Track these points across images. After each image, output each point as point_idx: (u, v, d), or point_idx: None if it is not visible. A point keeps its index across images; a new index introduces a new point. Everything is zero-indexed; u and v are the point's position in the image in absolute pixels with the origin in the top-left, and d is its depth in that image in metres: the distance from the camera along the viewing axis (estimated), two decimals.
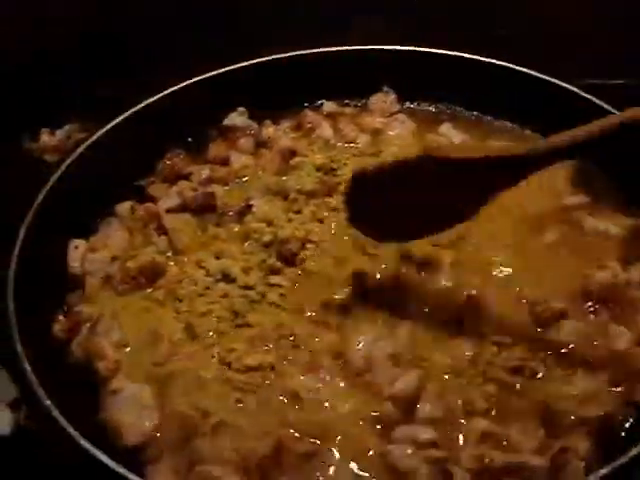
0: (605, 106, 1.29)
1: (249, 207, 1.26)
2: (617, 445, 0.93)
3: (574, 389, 0.99)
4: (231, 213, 1.26)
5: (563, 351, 1.04)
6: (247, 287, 1.14)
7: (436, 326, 1.08)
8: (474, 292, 1.10)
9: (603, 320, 1.09)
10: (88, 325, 1.10)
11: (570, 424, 0.96)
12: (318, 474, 0.93)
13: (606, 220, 1.24)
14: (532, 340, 1.05)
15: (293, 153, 1.36)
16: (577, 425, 0.96)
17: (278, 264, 1.17)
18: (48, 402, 0.95)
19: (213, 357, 1.06)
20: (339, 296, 1.12)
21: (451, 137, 1.40)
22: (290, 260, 1.18)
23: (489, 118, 1.45)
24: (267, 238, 1.19)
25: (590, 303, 1.11)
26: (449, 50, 1.45)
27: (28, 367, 0.99)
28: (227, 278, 1.15)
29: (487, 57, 1.42)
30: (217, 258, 1.18)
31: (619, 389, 1.00)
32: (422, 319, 1.09)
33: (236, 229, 1.24)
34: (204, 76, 1.43)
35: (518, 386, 1.00)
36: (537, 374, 1.01)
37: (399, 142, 1.39)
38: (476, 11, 1.66)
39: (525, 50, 1.42)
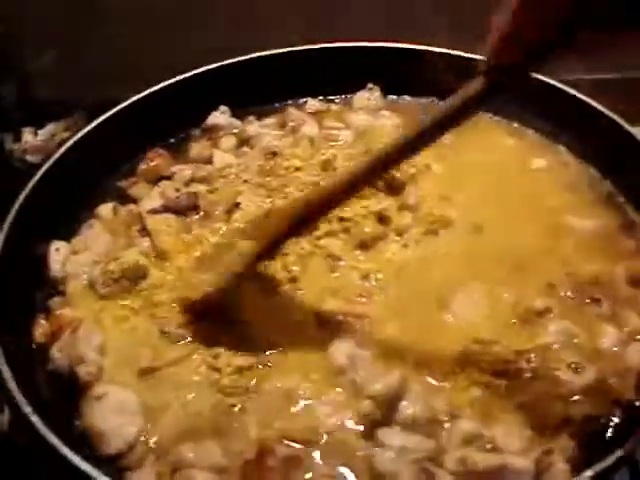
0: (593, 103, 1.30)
1: (236, 205, 1.24)
2: (603, 446, 0.92)
3: (559, 389, 0.98)
4: (217, 212, 1.25)
5: (548, 350, 1.02)
6: None
7: (421, 327, 1.07)
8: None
9: (588, 318, 1.07)
10: (70, 329, 1.08)
11: (555, 425, 0.95)
12: (302, 478, 0.92)
13: (590, 218, 1.23)
14: (516, 339, 1.04)
15: (276, 151, 1.35)
16: (562, 425, 0.95)
17: None
18: (28, 409, 0.93)
19: (198, 360, 1.04)
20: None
21: None
22: None
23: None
24: None
25: (575, 301, 1.09)
26: (432, 46, 1.44)
27: (8, 373, 0.97)
28: None
29: (471, 52, 1.41)
30: None
31: (605, 388, 0.98)
32: (406, 319, 1.08)
33: (222, 230, 1.22)
34: (186, 75, 1.42)
35: (503, 387, 0.99)
36: (522, 375, 1.00)
37: (385, 138, 1.37)
38: (461, 7, 1.65)
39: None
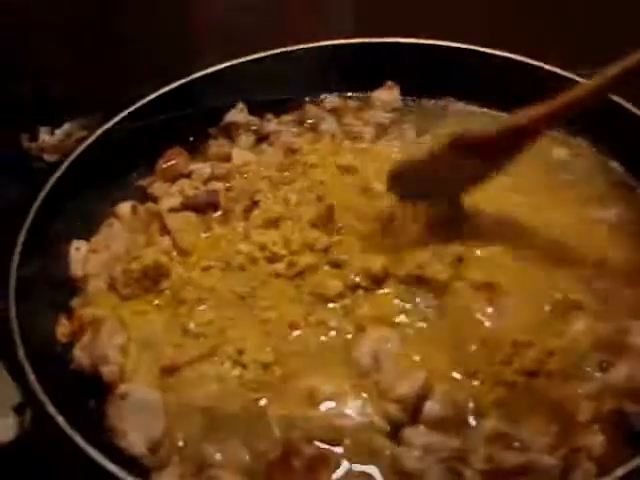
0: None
1: (256, 203, 1.24)
2: (633, 444, 0.91)
3: (589, 386, 0.97)
4: (236, 210, 1.24)
5: (577, 347, 1.01)
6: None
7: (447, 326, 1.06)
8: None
9: (617, 312, 1.06)
10: (91, 329, 1.08)
11: (584, 422, 0.94)
12: (327, 477, 0.92)
13: (611, 209, 1.22)
14: (549, 339, 1.02)
15: (296, 148, 1.35)
16: (592, 422, 0.94)
17: None
18: (52, 408, 0.94)
19: (222, 357, 1.05)
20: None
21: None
22: None
23: (494, 112, 1.42)
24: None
25: (604, 293, 1.08)
26: (452, 42, 1.43)
27: (31, 373, 0.97)
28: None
29: (491, 48, 1.40)
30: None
31: (635, 385, 0.97)
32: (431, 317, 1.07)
33: (241, 227, 1.22)
34: (203, 72, 1.41)
35: (532, 386, 0.97)
36: (552, 374, 0.98)
37: (404, 136, 1.38)
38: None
39: (532, 41, 1.40)
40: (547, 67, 1.35)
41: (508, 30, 1.57)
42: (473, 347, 1.02)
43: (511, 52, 1.39)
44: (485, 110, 1.43)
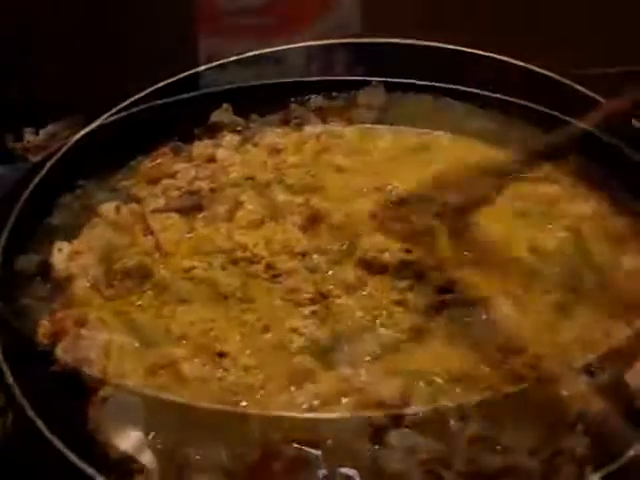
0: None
1: (240, 204, 1.24)
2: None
3: (575, 388, 0.96)
4: (220, 211, 1.24)
5: (565, 350, 1.01)
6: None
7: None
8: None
9: (600, 312, 1.06)
10: (74, 330, 1.08)
11: (568, 424, 0.93)
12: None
13: (585, 204, 1.22)
14: (538, 344, 1.02)
15: (280, 148, 1.35)
16: (575, 424, 0.93)
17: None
18: (31, 412, 0.93)
19: (204, 359, 1.04)
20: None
21: None
22: None
23: (480, 110, 1.42)
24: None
25: (589, 293, 1.08)
26: (438, 42, 1.43)
27: (10, 375, 0.97)
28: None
29: (475, 48, 1.40)
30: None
31: (620, 387, 0.97)
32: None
33: (224, 228, 1.21)
34: (188, 73, 1.41)
35: (517, 390, 0.97)
36: (538, 378, 0.98)
37: (390, 136, 1.38)
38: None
39: (517, 41, 1.40)
40: (532, 68, 1.35)
41: (497, 31, 1.57)
42: (458, 351, 1.02)
43: (498, 53, 1.39)
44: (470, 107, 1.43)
